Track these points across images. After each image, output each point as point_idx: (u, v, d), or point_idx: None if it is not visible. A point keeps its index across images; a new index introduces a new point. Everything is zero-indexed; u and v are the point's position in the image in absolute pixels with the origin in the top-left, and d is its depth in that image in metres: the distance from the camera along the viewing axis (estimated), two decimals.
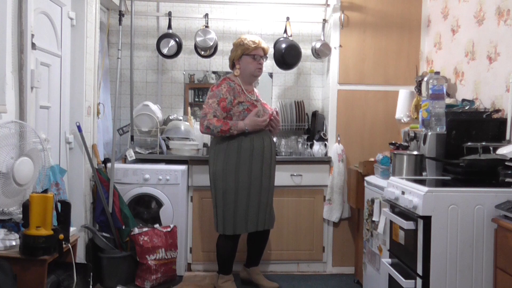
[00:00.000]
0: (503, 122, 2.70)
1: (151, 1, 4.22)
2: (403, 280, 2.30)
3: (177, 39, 4.10)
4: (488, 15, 3.01)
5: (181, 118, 4.13)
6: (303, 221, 3.89)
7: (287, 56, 4.04)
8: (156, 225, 3.53)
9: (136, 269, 3.42)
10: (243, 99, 3.28)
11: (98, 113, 3.62)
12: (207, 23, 4.10)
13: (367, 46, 3.91)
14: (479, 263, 2.18)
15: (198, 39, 4.05)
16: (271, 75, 4.37)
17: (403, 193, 2.38)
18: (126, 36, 4.10)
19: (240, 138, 3.24)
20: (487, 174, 2.44)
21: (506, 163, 2.38)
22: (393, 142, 3.13)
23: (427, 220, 2.18)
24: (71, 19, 3.28)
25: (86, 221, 3.40)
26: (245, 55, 3.33)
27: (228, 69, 4.35)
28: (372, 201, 2.99)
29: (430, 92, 2.95)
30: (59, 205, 2.35)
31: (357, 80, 3.92)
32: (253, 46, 3.32)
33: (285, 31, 4.15)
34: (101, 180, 3.45)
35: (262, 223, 3.31)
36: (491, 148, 2.50)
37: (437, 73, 3.12)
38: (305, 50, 4.21)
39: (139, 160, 3.86)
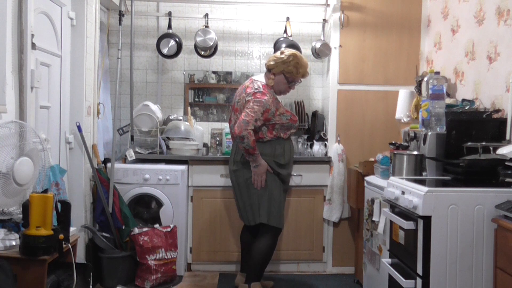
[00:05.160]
0: (503, 122, 2.70)
1: (151, 1, 4.22)
2: (403, 280, 2.30)
3: (177, 39, 4.10)
4: (488, 15, 3.01)
5: (181, 118, 4.13)
6: (303, 221, 3.88)
7: None
8: (156, 225, 3.53)
9: (136, 269, 3.42)
10: (283, 110, 3.25)
11: (98, 113, 3.62)
12: (207, 23, 4.10)
13: (367, 46, 3.90)
14: (479, 263, 2.18)
15: (198, 39, 4.05)
16: None
17: (403, 193, 2.38)
18: (126, 36, 4.10)
19: (282, 142, 3.27)
20: (487, 174, 2.44)
21: (506, 163, 2.39)
22: (393, 142, 3.14)
23: (427, 220, 2.18)
24: (71, 19, 3.28)
25: (86, 221, 3.40)
26: (284, 75, 3.24)
27: (228, 69, 4.40)
28: (372, 201, 2.99)
29: (430, 92, 2.95)
30: (59, 205, 2.35)
31: (357, 80, 3.91)
32: (296, 74, 3.23)
33: (285, 31, 4.15)
34: (101, 180, 3.45)
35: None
36: (491, 148, 2.50)
37: (437, 73, 3.12)
38: (305, 50, 4.20)
39: (139, 160, 3.86)
